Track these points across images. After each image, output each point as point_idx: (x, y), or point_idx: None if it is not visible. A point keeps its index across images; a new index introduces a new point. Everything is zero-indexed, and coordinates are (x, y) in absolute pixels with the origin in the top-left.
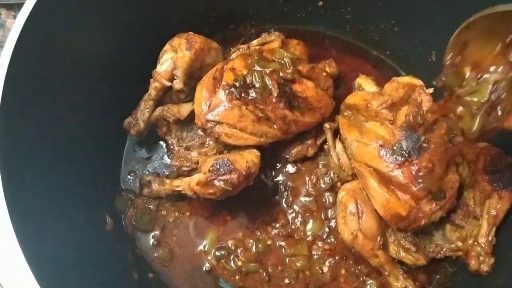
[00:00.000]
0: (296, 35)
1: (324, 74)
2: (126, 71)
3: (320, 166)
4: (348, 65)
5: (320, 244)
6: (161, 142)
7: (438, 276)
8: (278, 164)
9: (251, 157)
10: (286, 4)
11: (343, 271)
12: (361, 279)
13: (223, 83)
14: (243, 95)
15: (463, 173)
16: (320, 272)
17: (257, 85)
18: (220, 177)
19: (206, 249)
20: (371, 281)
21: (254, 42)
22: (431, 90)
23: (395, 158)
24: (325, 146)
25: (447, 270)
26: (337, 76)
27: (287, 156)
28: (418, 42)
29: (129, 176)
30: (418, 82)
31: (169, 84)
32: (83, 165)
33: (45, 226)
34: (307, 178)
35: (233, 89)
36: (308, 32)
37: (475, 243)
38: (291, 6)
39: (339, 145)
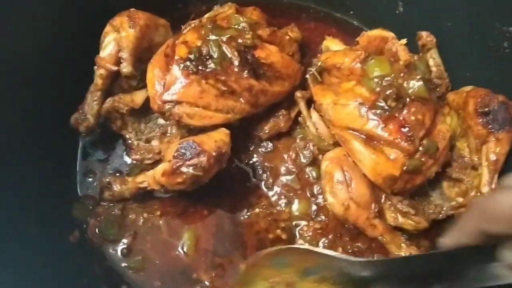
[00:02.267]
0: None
1: (288, 38)
2: (65, 63)
3: (298, 140)
4: (311, 32)
5: (310, 224)
6: (119, 140)
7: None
8: (251, 145)
9: (219, 136)
10: None
11: (340, 250)
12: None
13: (176, 57)
14: (200, 68)
15: (452, 122)
16: None
17: (215, 55)
18: (188, 162)
19: (185, 250)
20: None
21: (206, 15)
22: (404, 41)
23: (378, 114)
24: (299, 118)
25: None
26: (301, 44)
27: (260, 134)
28: None
29: (86, 181)
30: (389, 34)
31: (115, 68)
32: (31, 175)
33: None
34: (285, 155)
35: (188, 63)
36: (264, 2)
37: (478, 194)
38: None
39: (314, 114)
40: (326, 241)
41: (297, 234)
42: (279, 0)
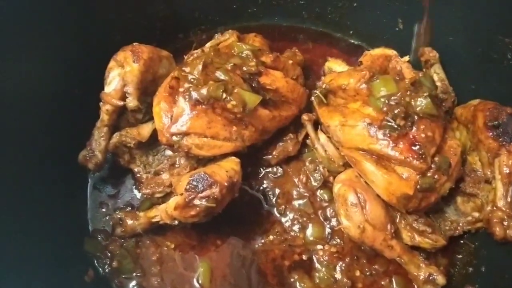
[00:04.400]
0: (251, 32)
1: (291, 62)
2: (70, 101)
3: (307, 163)
4: (313, 54)
5: (326, 247)
6: (128, 174)
7: (460, 256)
8: (261, 171)
9: (230, 165)
10: (235, 0)
11: (357, 273)
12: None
13: (181, 89)
14: None
15: (462, 137)
16: (333, 280)
17: None
18: (200, 194)
19: (201, 282)
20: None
21: (208, 44)
22: (407, 58)
23: (388, 133)
24: (307, 141)
25: (469, 247)
26: (304, 66)
27: (269, 158)
28: (381, 13)
29: (97, 218)
30: (392, 51)
31: (121, 103)
32: (42, 216)
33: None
34: (295, 179)
35: (194, 93)
36: (263, 27)
37: (494, 208)
38: (240, 2)
39: (322, 136)
40: (344, 264)
41: (314, 259)
42: (278, 24)
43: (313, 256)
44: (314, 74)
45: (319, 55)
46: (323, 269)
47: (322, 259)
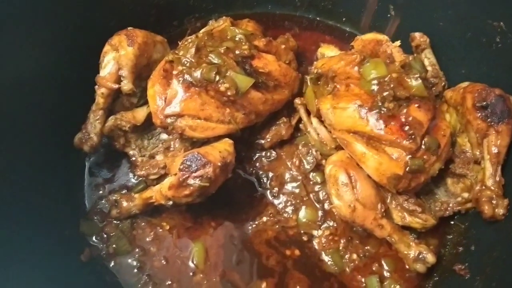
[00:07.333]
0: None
1: (283, 46)
2: (66, 85)
3: (300, 147)
4: (306, 41)
5: (320, 232)
6: (124, 158)
7: (450, 236)
8: (254, 155)
9: (223, 146)
10: None
11: (354, 256)
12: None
13: (175, 72)
14: None
15: (452, 119)
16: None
17: None
18: (194, 174)
19: (196, 263)
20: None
21: (202, 30)
22: (398, 43)
23: (378, 115)
24: (300, 125)
25: (459, 228)
26: (297, 53)
27: (263, 143)
28: (372, 1)
29: (94, 200)
30: (383, 36)
31: (116, 86)
32: (40, 199)
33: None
34: (289, 163)
35: (187, 76)
36: (257, 15)
37: (483, 187)
38: None
39: (315, 120)
40: (342, 247)
41: (315, 244)
42: (271, 12)
43: (314, 246)
44: (307, 61)
45: (312, 42)
46: (330, 256)
47: (321, 246)
